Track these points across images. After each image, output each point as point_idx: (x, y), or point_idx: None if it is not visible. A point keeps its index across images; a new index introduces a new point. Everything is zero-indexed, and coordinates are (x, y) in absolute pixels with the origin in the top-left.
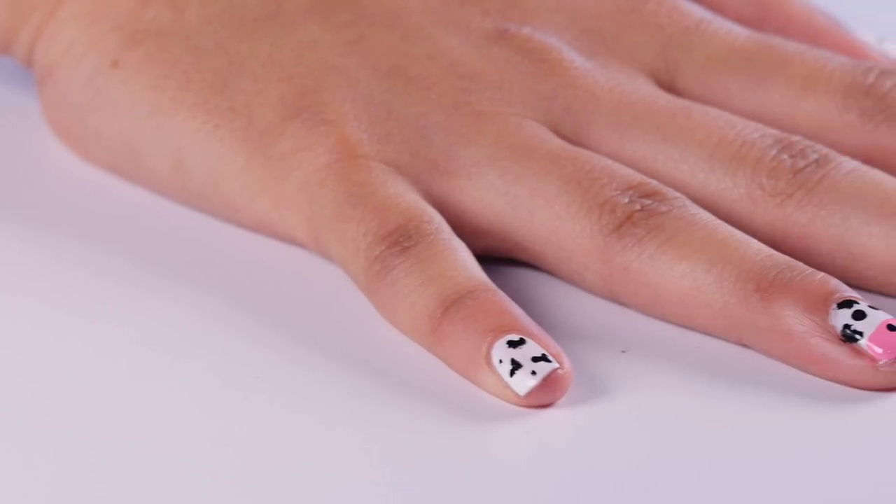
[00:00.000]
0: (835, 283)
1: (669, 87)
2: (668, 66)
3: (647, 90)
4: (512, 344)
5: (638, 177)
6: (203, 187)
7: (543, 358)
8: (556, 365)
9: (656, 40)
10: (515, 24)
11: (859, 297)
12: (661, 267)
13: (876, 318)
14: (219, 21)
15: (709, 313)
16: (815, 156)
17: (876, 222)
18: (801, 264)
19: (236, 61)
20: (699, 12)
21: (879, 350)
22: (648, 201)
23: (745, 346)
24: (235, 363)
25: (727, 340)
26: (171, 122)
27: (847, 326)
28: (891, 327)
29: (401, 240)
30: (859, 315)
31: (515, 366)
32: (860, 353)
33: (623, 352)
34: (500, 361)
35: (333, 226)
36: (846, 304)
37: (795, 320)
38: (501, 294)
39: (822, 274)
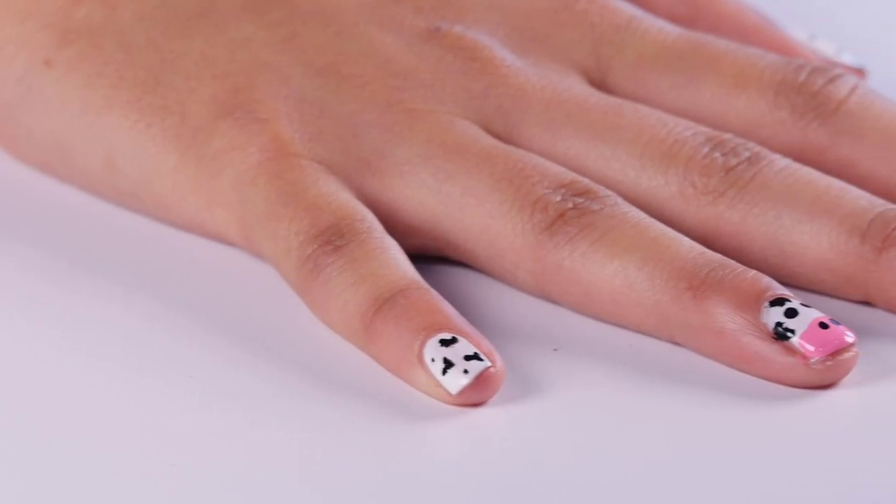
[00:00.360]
0: (767, 281)
1: (601, 85)
2: (600, 64)
3: (579, 88)
4: (444, 342)
5: (570, 175)
6: (135, 186)
7: (475, 356)
8: (489, 363)
9: (588, 38)
10: (448, 23)
11: (791, 295)
12: (593, 265)
13: (808, 316)
14: (151, 19)
15: (641, 311)
16: (746, 154)
17: (808, 220)
18: (733, 262)
19: (169, 59)
20: (630, 10)
21: (811, 348)
22: (580, 199)
23: (677, 344)
24: (168, 363)
25: (659, 338)
26: (103, 120)
27: (779, 324)
28: (822, 325)
29: (333, 238)
30: (791, 313)
31: (447, 364)
32: (792, 350)
33: (555, 350)
34: (433, 360)
35: (265, 224)
36: (778, 301)
37: (727, 318)
38: (433, 292)
39: (753, 272)
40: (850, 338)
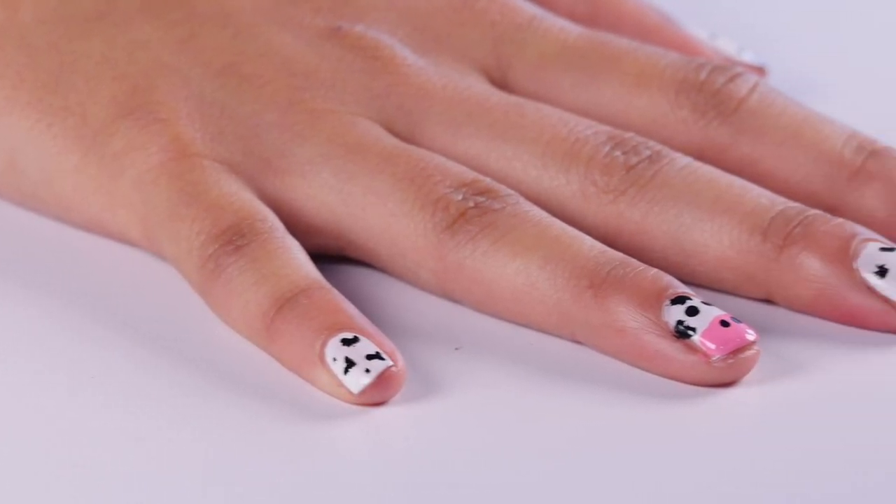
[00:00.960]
0: (668, 279)
1: (502, 84)
2: (501, 63)
3: (480, 87)
4: (346, 342)
5: (471, 174)
6: (36, 186)
7: (377, 356)
8: (390, 363)
9: (488, 37)
10: (348, 22)
11: (692, 293)
12: (494, 264)
13: (709, 315)
14: (52, 21)
15: (542, 310)
16: (647, 152)
17: (708, 218)
18: (634, 261)
19: (69, 60)
20: (531, 9)
21: (712, 346)
22: (482, 199)
23: (579, 342)
24: (71, 363)
25: (561, 337)
26: (4, 121)
27: (680, 322)
28: (724, 323)
29: (234, 238)
30: (692, 311)
31: (349, 364)
32: (693, 349)
33: (457, 349)
34: (334, 359)
35: (167, 225)
36: (679, 300)
37: (629, 317)
38: (335, 292)
39: (655, 270)
40: (751, 336)
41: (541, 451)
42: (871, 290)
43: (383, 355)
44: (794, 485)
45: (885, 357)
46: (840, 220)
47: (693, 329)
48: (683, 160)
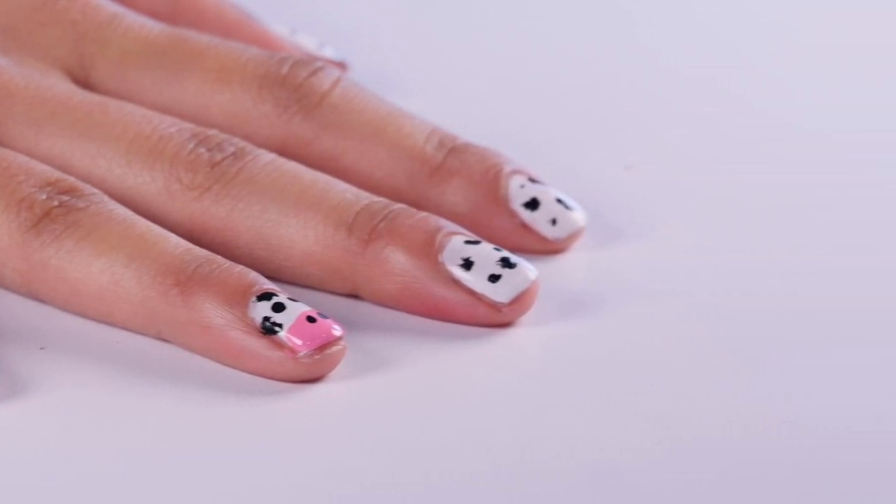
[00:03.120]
0: (254, 275)
1: (86, 83)
2: (83, 62)
3: (63, 87)
4: None
5: (55, 173)
6: None
7: None
8: None
9: (69, 36)
10: None
11: (278, 289)
12: (79, 263)
13: (295, 310)
14: None
15: (128, 308)
16: (232, 149)
17: (293, 213)
18: (220, 258)
19: None
20: (112, 7)
21: (299, 342)
22: (66, 197)
23: (166, 340)
24: None
25: (148, 335)
26: None
27: (267, 319)
28: (310, 319)
29: None
30: (279, 307)
31: None
32: (280, 345)
33: (42, 349)
34: None
35: None
36: (265, 296)
37: (214, 313)
38: None
39: (241, 267)
40: (337, 331)
41: (127, 450)
42: (456, 283)
43: None
44: (368, 482)
45: (471, 350)
46: (425, 214)
47: (279, 325)
48: (268, 156)
